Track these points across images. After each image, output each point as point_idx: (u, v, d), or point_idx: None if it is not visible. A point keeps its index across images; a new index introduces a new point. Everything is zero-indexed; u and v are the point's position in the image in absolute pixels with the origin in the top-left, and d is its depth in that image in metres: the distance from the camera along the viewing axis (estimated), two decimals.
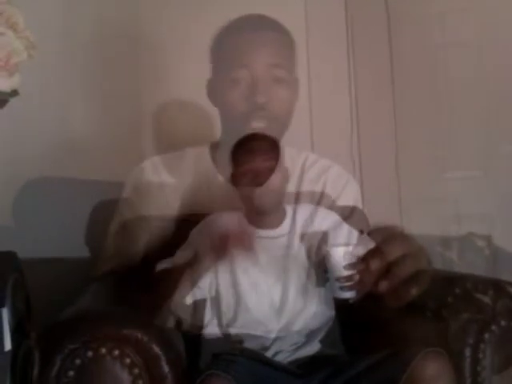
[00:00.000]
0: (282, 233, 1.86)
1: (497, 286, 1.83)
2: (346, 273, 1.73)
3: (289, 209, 1.90)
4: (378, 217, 2.08)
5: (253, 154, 1.80)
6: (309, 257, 1.85)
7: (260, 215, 1.83)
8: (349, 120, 2.41)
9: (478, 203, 2.39)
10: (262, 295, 1.81)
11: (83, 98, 2.27)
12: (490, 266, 2.27)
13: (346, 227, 1.89)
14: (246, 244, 1.76)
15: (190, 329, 1.82)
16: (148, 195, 2.09)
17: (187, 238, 1.88)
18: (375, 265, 1.71)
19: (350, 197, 2.12)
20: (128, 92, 2.30)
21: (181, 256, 1.84)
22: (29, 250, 1.80)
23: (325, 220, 1.90)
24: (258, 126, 2.06)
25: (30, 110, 2.08)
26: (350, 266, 1.73)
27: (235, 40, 2.12)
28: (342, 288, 1.74)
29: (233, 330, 1.80)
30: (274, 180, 1.80)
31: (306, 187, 2.12)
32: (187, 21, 2.37)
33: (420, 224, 2.26)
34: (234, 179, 1.83)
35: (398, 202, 2.35)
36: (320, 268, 1.83)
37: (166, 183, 2.10)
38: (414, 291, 1.72)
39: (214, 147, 2.18)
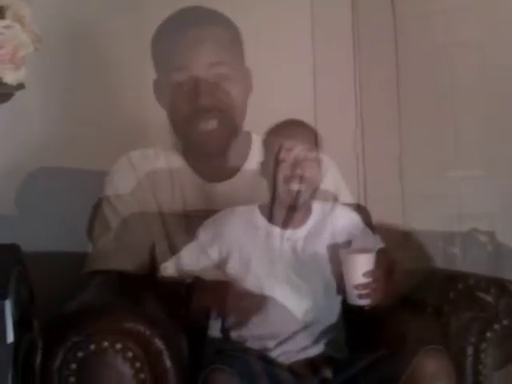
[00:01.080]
0: (303, 234, 1.80)
1: (499, 284, 1.83)
2: (364, 280, 1.72)
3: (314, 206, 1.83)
4: (381, 214, 2.09)
5: (296, 141, 1.73)
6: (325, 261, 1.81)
7: (291, 211, 1.77)
8: (353, 117, 2.41)
9: (480, 202, 2.38)
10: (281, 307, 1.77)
11: (84, 91, 2.26)
12: (493, 262, 2.27)
13: (362, 226, 1.86)
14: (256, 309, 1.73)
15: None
16: (127, 194, 2.05)
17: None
18: (388, 271, 1.74)
19: (331, 180, 2.05)
20: (130, 85, 2.29)
21: (189, 257, 1.82)
22: (32, 244, 1.80)
23: (342, 218, 1.85)
24: (206, 128, 2.01)
25: (31, 102, 2.08)
26: (369, 273, 1.72)
27: (171, 39, 2.04)
28: (359, 295, 1.72)
29: (235, 333, 1.78)
30: (315, 172, 1.75)
31: None
32: None
33: (422, 222, 2.27)
34: (272, 167, 1.74)
35: (401, 200, 2.35)
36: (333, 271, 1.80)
37: (142, 181, 2.05)
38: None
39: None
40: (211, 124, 2.01)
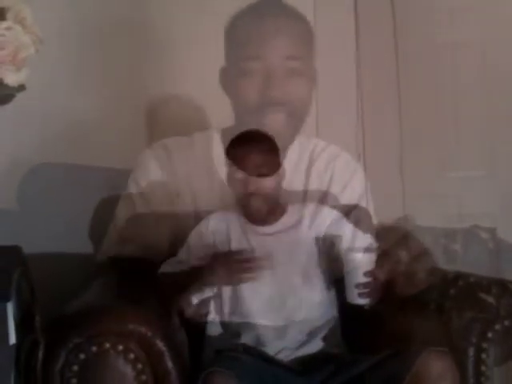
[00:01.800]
0: (279, 229, 1.82)
1: (500, 285, 1.83)
2: (365, 279, 1.72)
3: (291, 206, 1.86)
4: (382, 212, 2.09)
5: (248, 160, 1.75)
6: (312, 257, 1.82)
7: (257, 217, 1.80)
8: (354, 115, 2.40)
9: (480, 202, 2.38)
10: (259, 288, 1.78)
11: (88, 87, 2.25)
12: (494, 259, 2.27)
13: (349, 227, 1.86)
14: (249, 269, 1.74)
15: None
16: (158, 182, 2.02)
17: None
18: (389, 271, 1.74)
19: (356, 187, 2.07)
20: (133, 80, 2.27)
21: (180, 259, 1.84)
22: (34, 245, 1.80)
23: (327, 218, 1.86)
24: (272, 121, 1.99)
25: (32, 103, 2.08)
26: (370, 273, 1.73)
27: (249, 28, 2.03)
28: (359, 294, 1.73)
29: (232, 321, 1.79)
30: (269, 184, 1.77)
31: (314, 178, 2.07)
32: (192, 10, 2.29)
33: (423, 221, 2.27)
34: (228, 181, 1.79)
35: (402, 198, 2.35)
36: (330, 268, 1.81)
37: (178, 170, 2.03)
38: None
39: (226, 133, 2.06)
40: (279, 118, 2.00)
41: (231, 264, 1.75)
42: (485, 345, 1.77)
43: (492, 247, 2.29)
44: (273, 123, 1.98)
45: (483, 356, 1.77)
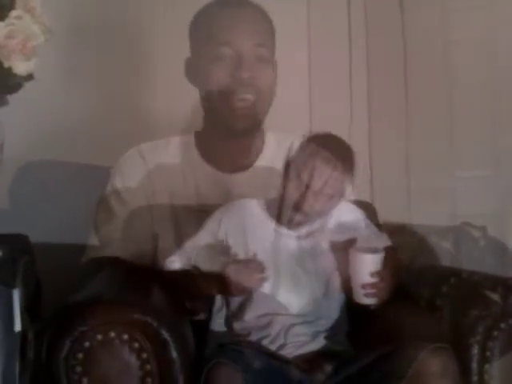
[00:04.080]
0: (306, 231, 1.81)
1: (506, 283, 1.83)
2: (372, 280, 1.72)
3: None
4: (387, 209, 2.09)
5: (329, 163, 1.72)
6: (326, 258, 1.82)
7: (299, 214, 1.76)
8: (348, 111, 2.40)
9: (484, 201, 2.38)
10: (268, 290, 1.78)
11: (92, 84, 2.27)
12: (485, 257, 2.27)
13: (372, 228, 1.86)
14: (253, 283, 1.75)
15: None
16: (136, 185, 2.08)
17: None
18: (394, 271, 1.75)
19: None
20: (129, 79, 2.28)
21: (189, 255, 1.83)
22: (39, 235, 1.81)
23: (346, 215, 1.85)
24: (243, 102, 2.06)
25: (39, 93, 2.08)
26: (377, 273, 1.72)
27: (218, 16, 2.10)
28: (365, 294, 1.73)
29: (238, 324, 1.79)
30: (334, 187, 1.74)
31: None
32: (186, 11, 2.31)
33: (427, 218, 2.27)
34: (293, 169, 1.76)
35: (407, 196, 2.34)
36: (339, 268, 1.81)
37: (152, 173, 2.09)
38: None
39: (199, 136, 2.16)
40: (247, 99, 2.07)
41: (243, 276, 1.73)
42: (490, 343, 1.76)
43: (483, 245, 2.29)
44: (243, 104, 2.06)
45: (488, 354, 1.76)
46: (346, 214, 1.85)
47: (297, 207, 1.75)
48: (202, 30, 2.12)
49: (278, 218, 1.80)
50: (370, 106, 2.37)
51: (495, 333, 1.77)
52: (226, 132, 2.11)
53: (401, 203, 2.30)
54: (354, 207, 1.89)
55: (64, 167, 2.23)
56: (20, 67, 1.52)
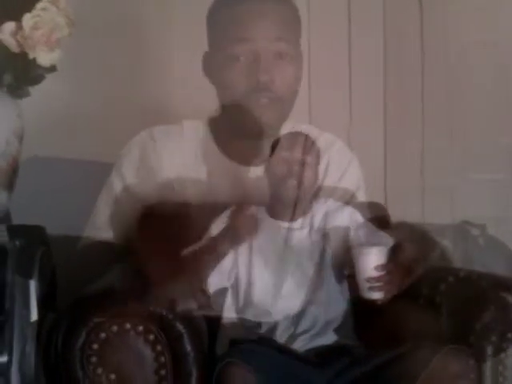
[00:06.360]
0: (298, 226, 1.81)
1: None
2: (376, 274, 1.71)
3: (314, 205, 1.85)
4: (400, 207, 2.08)
5: (298, 145, 1.75)
6: (324, 251, 1.81)
7: (284, 206, 1.80)
8: (347, 102, 2.39)
9: (497, 205, 2.38)
10: (271, 283, 1.78)
11: (113, 79, 2.27)
12: (484, 256, 2.26)
13: (362, 221, 1.84)
14: (249, 227, 1.77)
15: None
16: (143, 169, 2.00)
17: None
18: (404, 266, 1.72)
19: (353, 177, 2.04)
20: (134, 72, 2.28)
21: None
22: (56, 226, 1.82)
23: (344, 216, 1.84)
24: (260, 107, 1.93)
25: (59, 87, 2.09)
26: (381, 267, 1.71)
27: (234, 10, 1.94)
28: (371, 288, 1.72)
29: (247, 315, 1.78)
30: (310, 175, 1.77)
31: None
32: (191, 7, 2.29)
33: (439, 219, 2.27)
34: (271, 165, 1.78)
35: (421, 195, 2.34)
36: (342, 264, 1.81)
37: (163, 156, 1.99)
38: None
39: (213, 123, 2.04)
40: (265, 103, 1.94)
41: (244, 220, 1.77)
42: (504, 345, 1.75)
43: (482, 244, 2.29)
44: (261, 109, 1.94)
45: (502, 356, 1.75)
46: (341, 212, 1.84)
47: (280, 199, 1.78)
48: (217, 23, 1.99)
49: (271, 212, 1.82)
50: (386, 106, 2.37)
51: (510, 335, 1.75)
52: (245, 134, 2.01)
53: (414, 203, 2.31)
54: (346, 206, 1.88)
55: (82, 161, 2.24)
56: (44, 58, 1.53)
